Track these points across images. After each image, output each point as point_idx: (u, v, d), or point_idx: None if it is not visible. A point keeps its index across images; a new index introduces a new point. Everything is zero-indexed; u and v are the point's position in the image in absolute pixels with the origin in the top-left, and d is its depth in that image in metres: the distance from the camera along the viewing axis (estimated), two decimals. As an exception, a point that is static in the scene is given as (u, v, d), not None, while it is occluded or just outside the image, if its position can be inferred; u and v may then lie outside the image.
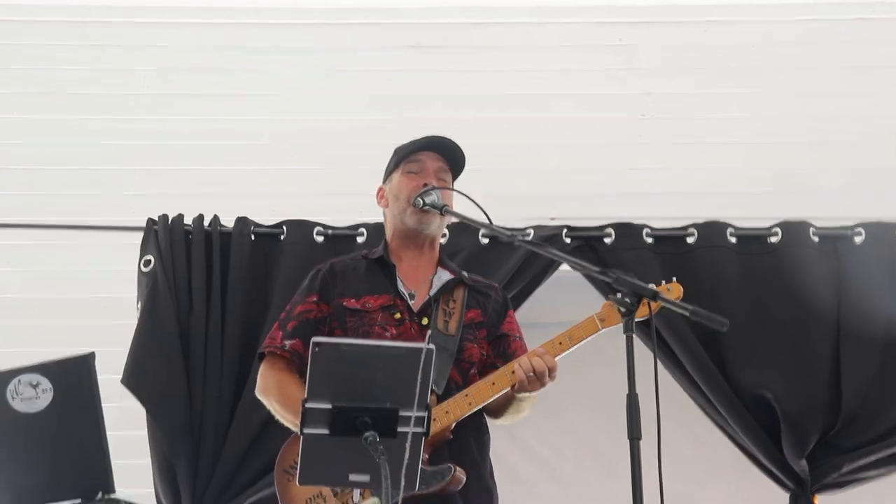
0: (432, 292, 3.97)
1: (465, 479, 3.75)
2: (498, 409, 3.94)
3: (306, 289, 4.04)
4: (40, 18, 5.64)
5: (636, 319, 3.38)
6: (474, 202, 3.93)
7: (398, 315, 3.90)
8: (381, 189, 4.14)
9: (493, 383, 3.81)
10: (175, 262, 5.13)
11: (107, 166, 5.56)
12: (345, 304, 3.94)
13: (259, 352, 4.03)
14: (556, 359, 3.81)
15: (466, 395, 3.80)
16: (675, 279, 3.92)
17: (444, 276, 4.03)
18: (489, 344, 4.01)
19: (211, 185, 5.49)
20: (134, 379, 4.97)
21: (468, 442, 3.88)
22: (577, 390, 4.72)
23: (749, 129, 5.56)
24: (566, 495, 5.35)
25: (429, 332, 3.80)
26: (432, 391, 3.71)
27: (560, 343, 3.85)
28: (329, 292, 3.99)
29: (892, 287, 5.07)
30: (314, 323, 3.93)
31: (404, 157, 4.06)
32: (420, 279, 4.01)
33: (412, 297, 3.96)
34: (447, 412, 3.78)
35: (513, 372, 3.78)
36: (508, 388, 3.80)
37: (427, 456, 3.67)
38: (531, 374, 3.74)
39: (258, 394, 3.99)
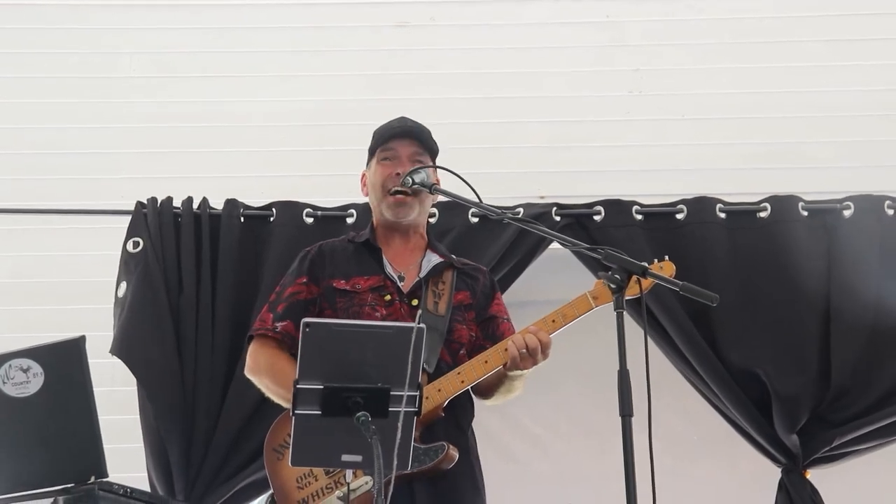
0: (422, 274, 3.97)
1: (457, 456, 3.76)
2: (489, 389, 3.95)
3: (295, 270, 4.04)
4: (28, 2, 5.61)
5: (627, 297, 3.39)
6: (464, 180, 3.92)
7: (388, 297, 3.90)
8: (363, 175, 4.14)
9: (486, 361, 3.81)
10: (164, 244, 5.12)
11: (95, 150, 5.54)
12: (334, 285, 3.94)
13: (249, 335, 4.02)
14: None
15: (459, 374, 3.81)
16: (667, 257, 3.92)
17: (433, 258, 4.03)
18: (478, 326, 4.01)
19: (199, 168, 5.48)
20: (124, 350, 4.96)
21: (458, 419, 3.89)
22: (569, 368, 4.73)
23: (737, 104, 5.56)
24: (559, 473, 5.36)
25: (419, 311, 3.81)
26: (424, 370, 3.70)
27: (553, 321, 3.84)
28: (318, 273, 3.99)
29: (880, 259, 5.07)
30: (304, 304, 3.93)
31: (378, 144, 4.06)
32: (408, 262, 4.01)
33: (401, 279, 3.96)
34: (439, 390, 3.78)
35: (506, 349, 3.77)
36: (501, 366, 3.80)
37: (418, 434, 3.67)
38: (524, 350, 3.73)
39: (247, 373, 3.99)
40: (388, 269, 3.96)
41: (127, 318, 5.03)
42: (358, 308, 3.86)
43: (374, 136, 4.11)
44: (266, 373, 3.90)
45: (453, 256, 4.12)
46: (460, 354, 3.92)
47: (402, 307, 3.88)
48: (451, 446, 3.74)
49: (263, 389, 3.94)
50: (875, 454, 5.06)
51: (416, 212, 4.02)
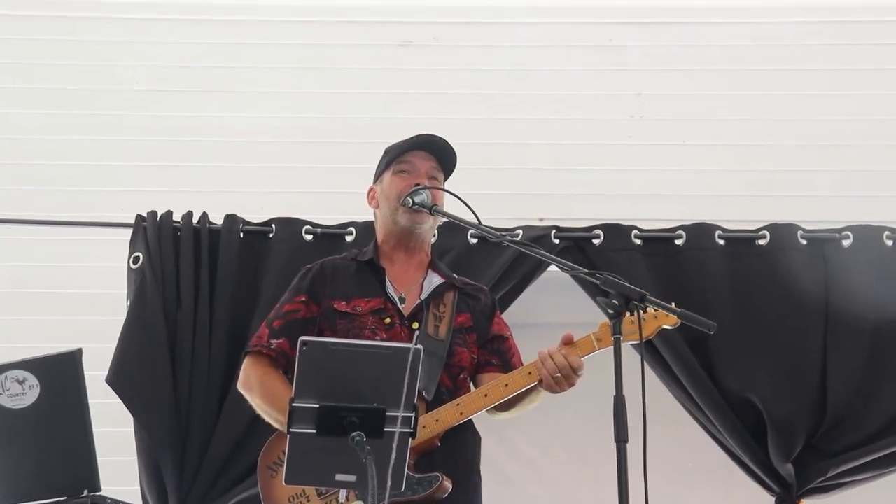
0: (423, 296, 3.94)
1: (451, 487, 3.71)
2: (512, 402, 3.87)
3: (295, 288, 4.01)
4: (28, 13, 5.62)
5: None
6: (463, 202, 3.92)
7: (388, 320, 3.87)
8: (371, 189, 4.11)
9: (486, 395, 3.78)
10: (163, 258, 5.11)
11: (96, 162, 5.55)
12: (335, 306, 3.91)
13: (245, 351, 4.00)
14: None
15: (458, 405, 3.77)
16: (673, 304, 3.89)
17: (434, 279, 4.00)
18: (480, 347, 3.98)
19: (200, 182, 5.48)
20: (119, 379, 4.95)
21: (458, 447, 3.85)
22: (565, 392, 4.73)
23: (738, 131, 5.57)
24: (553, 497, 5.35)
25: (416, 332, 3.79)
26: (422, 397, 3.70)
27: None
28: (319, 293, 3.96)
29: (879, 290, 5.08)
30: (301, 323, 3.89)
31: (395, 156, 4.03)
32: (410, 282, 3.98)
33: (402, 300, 3.93)
34: (437, 420, 3.75)
35: (506, 385, 3.75)
36: (501, 399, 3.77)
37: (413, 462, 3.65)
38: (557, 374, 3.69)
39: (240, 387, 3.96)
40: (390, 291, 3.94)
41: (121, 343, 5.01)
42: (358, 331, 3.82)
43: (388, 150, 4.09)
44: (257, 391, 3.88)
45: (455, 276, 4.10)
46: (460, 379, 3.89)
47: (402, 330, 3.85)
48: (445, 478, 3.70)
49: (254, 406, 3.93)
50: (870, 485, 5.05)
51: (430, 223, 4.01)
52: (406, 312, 3.90)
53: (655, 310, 3.65)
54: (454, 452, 3.82)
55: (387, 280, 3.96)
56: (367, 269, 4.00)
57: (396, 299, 3.92)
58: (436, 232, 4.88)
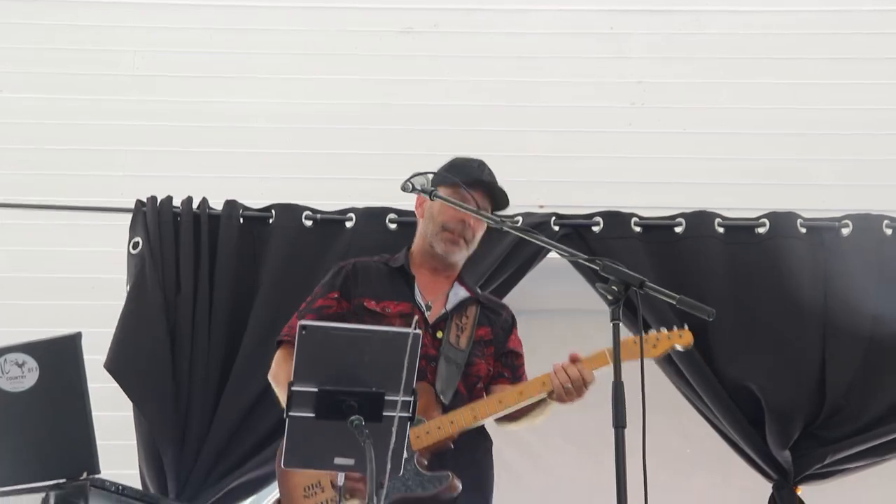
0: (448, 307, 4.05)
1: (461, 487, 3.81)
2: (518, 415, 4.02)
3: (328, 284, 4.10)
4: (28, -2, 5.63)
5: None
6: (464, 188, 3.93)
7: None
8: (420, 198, 4.12)
9: (500, 401, 3.91)
10: (163, 244, 5.11)
11: (96, 147, 5.55)
12: (365, 304, 4.01)
13: (277, 339, 4.05)
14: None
15: (472, 409, 3.89)
16: (686, 325, 4.01)
17: (460, 292, 4.11)
18: (496, 360, 4.10)
19: (200, 168, 5.49)
20: (117, 363, 4.95)
21: (469, 449, 3.95)
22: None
23: (738, 120, 5.57)
24: (551, 483, 5.36)
25: (415, 317, 3.84)
26: (440, 401, 3.85)
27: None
28: (350, 291, 4.05)
29: (878, 279, 5.07)
30: (333, 318, 3.95)
31: (455, 183, 4.01)
32: (437, 291, 4.09)
33: (428, 307, 4.04)
34: (452, 422, 3.85)
35: (520, 392, 3.88)
36: (514, 406, 3.90)
37: (426, 460, 3.80)
38: (568, 385, 3.83)
39: (270, 378, 4.04)
40: (418, 298, 4.04)
41: (119, 329, 5.00)
42: None
43: (451, 170, 4.09)
44: (284, 383, 3.90)
45: (479, 290, 4.22)
46: (477, 388, 4.02)
47: (426, 336, 3.93)
48: (455, 478, 3.81)
49: (281, 398, 3.93)
50: (867, 471, 5.06)
51: (463, 256, 4.12)
52: (431, 320, 4.02)
53: (670, 330, 3.96)
54: (465, 454, 3.92)
55: (416, 287, 4.06)
56: (398, 275, 4.10)
57: (423, 306, 4.03)
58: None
